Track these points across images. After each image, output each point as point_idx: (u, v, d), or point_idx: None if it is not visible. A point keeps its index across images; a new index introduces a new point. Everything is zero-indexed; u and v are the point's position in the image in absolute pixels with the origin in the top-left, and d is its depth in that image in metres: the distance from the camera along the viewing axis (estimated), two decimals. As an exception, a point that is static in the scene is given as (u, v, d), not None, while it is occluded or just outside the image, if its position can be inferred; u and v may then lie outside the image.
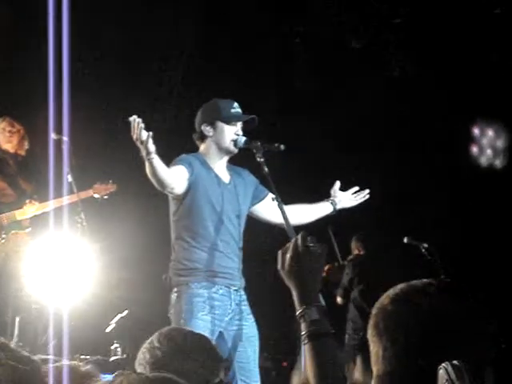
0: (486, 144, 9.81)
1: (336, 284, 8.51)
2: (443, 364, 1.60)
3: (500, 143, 9.77)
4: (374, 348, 1.75)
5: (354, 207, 5.28)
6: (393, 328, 1.72)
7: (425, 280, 1.79)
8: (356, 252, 8.59)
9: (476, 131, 9.85)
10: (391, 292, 1.78)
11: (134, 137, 4.30)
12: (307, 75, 9.38)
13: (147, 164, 4.45)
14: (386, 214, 9.11)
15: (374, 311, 1.78)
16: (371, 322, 1.77)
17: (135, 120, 4.27)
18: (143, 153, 4.38)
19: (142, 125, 4.27)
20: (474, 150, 9.78)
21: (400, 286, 1.79)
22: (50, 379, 2.21)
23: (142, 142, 4.30)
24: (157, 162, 4.44)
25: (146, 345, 2.91)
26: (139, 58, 8.85)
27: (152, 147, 4.35)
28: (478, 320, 1.74)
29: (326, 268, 8.54)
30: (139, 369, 2.88)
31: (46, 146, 6.26)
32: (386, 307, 1.75)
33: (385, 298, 1.78)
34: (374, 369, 1.75)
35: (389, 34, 9.06)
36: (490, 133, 9.82)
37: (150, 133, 4.31)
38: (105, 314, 7.74)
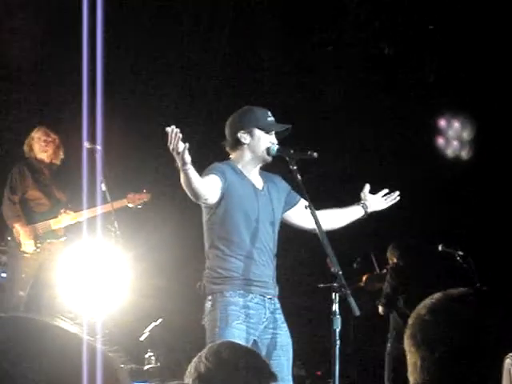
0: (451, 136, 9.77)
1: (371, 293, 8.47)
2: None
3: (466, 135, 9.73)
4: (412, 359, 1.73)
5: (384, 212, 5.25)
6: (431, 338, 1.70)
7: (461, 289, 1.78)
8: (393, 260, 8.54)
9: (442, 123, 9.81)
10: (428, 302, 1.77)
11: (171, 147, 4.30)
12: (339, 82, 9.37)
13: (182, 175, 4.44)
14: (415, 221, 9.05)
15: (410, 321, 1.77)
16: (408, 333, 1.76)
17: (173, 130, 4.27)
18: (179, 163, 4.38)
19: (180, 135, 4.27)
20: (440, 141, 9.74)
21: (436, 296, 1.77)
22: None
23: (178, 153, 4.31)
24: (192, 172, 4.44)
25: (195, 358, 2.90)
26: (172, 66, 8.88)
27: (188, 158, 4.34)
28: None
29: (364, 278, 8.50)
30: (186, 380, 2.87)
31: (80, 156, 6.29)
32: (423, 317, 1.74)
33: (421, 308, 1.76)
34: (411, 379, 1.74)
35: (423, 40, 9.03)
36: (457, 124, 9.78)
37: (187, 144, 4.30)
38: (139, 323, 7.77)
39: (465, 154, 9.71)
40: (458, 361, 1.67)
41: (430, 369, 1.70)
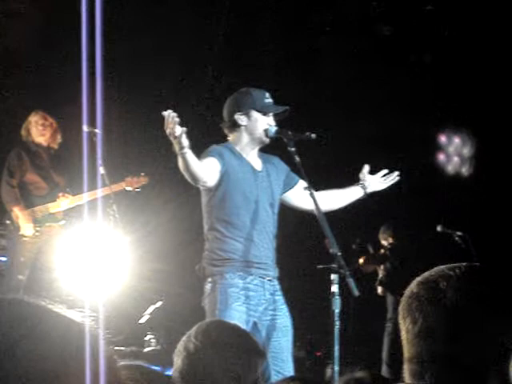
0: (452, 152, 9.82)
1: (368, 275, 8.49)
2: None
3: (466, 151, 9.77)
4: (402, 331, 1.77)
5: (383, 192, 5.26)
6: (414, 310, 1.73)
7: (454, 264, 1.78)
8: (386, 241, 8.55)
9: (443, 139, 9.86)
10: (423, 275, 1.79)
11: (168, 131, 4.30)
12: (336, 64, 9.35)
13: (180, 158, 4.45)
14: (413, 203, 9.07)
15: (405, 294, 1.79)
16: (400, 306, 1.78)
17: (170, 115, 4.27)
18: (176, 147, 4.38)
19: (177, 119, 4.26)
20: (441, 157, 9.79)
21: (429, 271, 1.79)
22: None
23: (175, 137, 4.31)
24: (190, 156, 4.44)
25: (184, 337, 2.91)
26: (172, 48, 8.86)
27: (185, 142, 4.34)
28: (503, 302, 1.73)
29: (362, 259, 8.51)
30: (175, 360, 2.88)
31: (79, 139, 6.29)
32: (412, 290, 1.77)
33: (413, 282, 1.79)
34: (404, 351, 1.76)
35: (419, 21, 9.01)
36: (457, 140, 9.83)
37: (184, 128, 4.30)
38: (138, 306, 7.79)
39: (465, 171, 9.75)
40: (441, 336, 1.69)
41: (414, 341, 1.72)
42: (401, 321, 1.76)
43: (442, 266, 1.78)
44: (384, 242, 8.60)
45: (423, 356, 1.70)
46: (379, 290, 8.46)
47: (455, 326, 1.69)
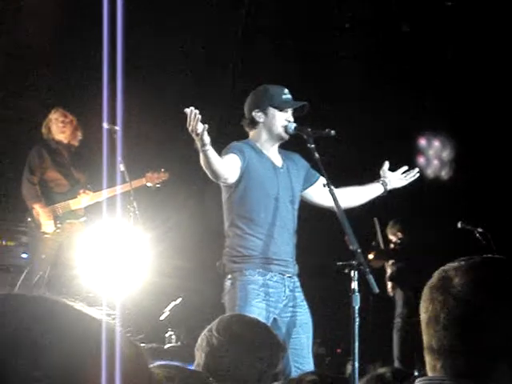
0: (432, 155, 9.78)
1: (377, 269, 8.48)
2: None
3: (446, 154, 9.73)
4: (422, 323, 1.78)
5: (403, 189, 5.25)
6: (427, 299, 1.74)
7: (469, 256, 1.78)
8: (395, 237, 8.52)
9: (423, 142, 9.82)
10: (442, 267, 1.79)
11: (190, 128, 4.30)
12: (357, 61, 9.33)
13: (202, 155, 4.46)
14: (434, 199, 9.04)
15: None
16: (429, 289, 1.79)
17: (192, 111, 4.27)
18: (198, 144, 4.39)
19: (199, 116, 4.27)
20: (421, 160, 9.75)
21: (451, 263, 1.79)
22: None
23: (197, 134, 4.32)
24: (211, 153, 4.45)
25: (205, 331, 2.90)
26: (193, 46, 8.88)
27: (207, 139, 4.35)
28: None
29: (372, 255, 8.47)
30: (197, 354, 2.88)
31: (99, 136, 6.31)
32: (431, 282, 1.77)
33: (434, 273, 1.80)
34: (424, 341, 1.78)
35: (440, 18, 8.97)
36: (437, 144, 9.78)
37: (206, 125, 4.31)
38: (159, 302, 7.81)
39: (445, 174, 9.72)
40: (441, 326, 1.69)
41: (425, 331, 1.73)
42: (420, 311, 1.77)
43: (465, 258, 1.78)
44: (392, 238, 8.58)
45: (433, 346, 1.71)
46: (389, 285, 8.44)
47: (462, 314, 1.68)
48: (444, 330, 1.69)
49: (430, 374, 1.73)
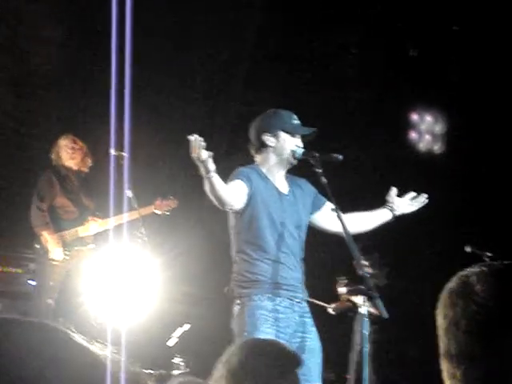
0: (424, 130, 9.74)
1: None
2: None
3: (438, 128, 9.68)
4: (438, 327, 1.73)
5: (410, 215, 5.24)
6: (446, 304, 1.71)
7: (490, 262, 1.75)
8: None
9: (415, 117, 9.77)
10: (460, 272, 1.76)
11: (194, 155, 4.31)
12: (363, 85, 9.36)
13: (206, 182, 4.44)
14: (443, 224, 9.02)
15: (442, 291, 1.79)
16: (438, 303, 1.77)
17: (196, 139, 4.28)
18: (202, 171, 4.38)
19: (203, 144, 4.27)
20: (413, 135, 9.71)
21: (471, 268, 1.75)
22: None
23: (201, 161, 4.32)
24: (216, 180, 4.44)
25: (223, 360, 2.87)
26: (200, 70, 8.92)
27: (212, 166, 4.34)
28: None
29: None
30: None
31: (107, 163, 6.33)
32: (447, 286, 1.74)
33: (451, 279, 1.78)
34: (440, 348, 1.74)
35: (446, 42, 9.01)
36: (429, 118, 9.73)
37: (211, 152, 4.31)
38: (167, 329, 7.78)
39: (437, 148, 9.69)
40: (462, 332, 1.66)
41: (443, 337, 1.70)
42: (437, 316, 1.74)
43: (483, 264, 1.75)
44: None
45: (452, 352, 1.67)
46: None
47: (484, 321, 1.65)
48: (464, 335, 1.66)
49: (449, 381, 1.70)
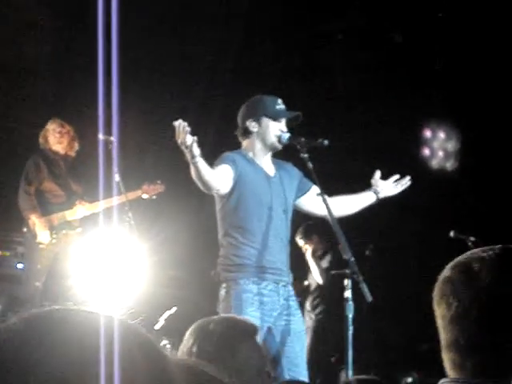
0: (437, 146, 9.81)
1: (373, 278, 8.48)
2: None
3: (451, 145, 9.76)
4: (437, 317, 1.72)
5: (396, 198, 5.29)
6: (448, 294, 1.68)
7: (486, 247, 1.74)
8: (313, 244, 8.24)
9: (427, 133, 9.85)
10: (456, 259, 1.74)
11: (179, 141, 4.34)
12: (349, 71, 9.39)
13: (192, 167, 4.47)
14: (427, 208, 9.07)
15: (438, 279, 1.74)
16: (434, 291, 1.74)
17: (180, 124, 4.31)
18: (188, 156, 4.41)
19: (188, 129, 4.29)
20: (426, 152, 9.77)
21: (464, 254, 1.74)
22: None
23: (186, 147, 4.35)
24: (202, 165, 4.47)
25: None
26: (189, 56, 8.92)
27: (197, 151, 4.37)
28: None
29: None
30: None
31: (95, 147, 6.34)
32: (444, 275, 1.72)
33: (447, 266, 1.74)
34: (441, 338, 1.71)
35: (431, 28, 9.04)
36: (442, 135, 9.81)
37: (195, 137, 4.33)
38: (153, 312, 7.82)
39: (449, 166, 9.75)
40: (476, 322, 1.64)
41: (448, 327, 1.68)
42: (435, 307, 1.72)
43: (475, 250, 1.74)
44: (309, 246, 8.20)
45: (461, 342, 1.65)
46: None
47: (492, 308, 1.63)
48: (475, 325, 1.63)
49: (454, 372, 1.67)
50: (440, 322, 1.70)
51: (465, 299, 1.66)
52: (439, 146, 9.80)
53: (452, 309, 1.67)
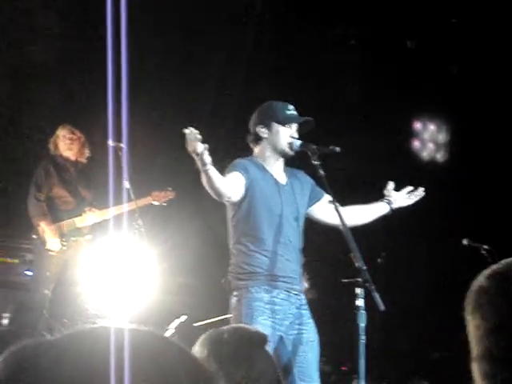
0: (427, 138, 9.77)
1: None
2: None
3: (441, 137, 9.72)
4: (470, 327, 1.66)
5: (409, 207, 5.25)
6: (483, 304, 1.63)
7: None
8: None
9: (418, 126, 9.80)
10: (491, 268, 1.69)
11: (190, 149, 4.30)
12: (362, 77, 9.35)
13: (203, 175, 4.44)
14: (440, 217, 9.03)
15: (472, 288, 1.69)
16: (467, 300, 1.68)
17: (192, 132, 4.27)
18: (199, 164, 4.37)
19: (199, 137, 4.26)
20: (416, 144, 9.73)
21: (502, 262, 1.70)
22: None
23: (197, 154, 4.31)
24: (213, 172, 4.43)
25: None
26: (198, 62, 8.90)
27: (208, 159, 4.33)
28: None
29: None
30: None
31: (105, 154, 6.32)
32: (479, 284, 1.67)
33: (482, 275, 1.68)
34: (473, 349, 1.66)
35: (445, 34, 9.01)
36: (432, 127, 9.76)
37: (206, 145, 4.29)
38: (163, 320, 7.79)
39: (440, 157, 9.71)
40: (506, 333, 1.59)
41: (484, 339, 1.62)
42: (468, 317, 1.67)
43: (510, 259, 1.69)
44: None
45: (494, 353, 1.60)
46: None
47: None
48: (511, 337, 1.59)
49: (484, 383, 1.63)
50: (473, 332, 1.66)
51: (502, 310, 1.61)
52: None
53: (488, 320, 1.63)
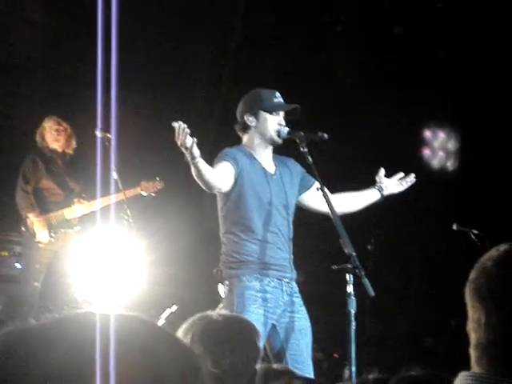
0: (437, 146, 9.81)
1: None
2: None
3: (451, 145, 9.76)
4: (475, 314, 1.63)
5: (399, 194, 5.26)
6: (498, 292, 1.61)
7: None
8: None
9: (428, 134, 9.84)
10: (494, 253, 1.66)
11: (179, 142, 4.30)
12: (349, 63, 9.35)
13: (193, 168, 4.44)
14: (429, 202, 9.05)
15: (474, 274, 1.66)
16: (472, 286, 1.65)
17: (180, 126, 4.27)
18: (188, 157, 4.38)
19: (188, 130, 4.26)
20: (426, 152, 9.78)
21: (503, 247, 1.67)
22: None
23: (186, 148, 4.31)
24: (202, 165, 4.43)
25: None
26: (188, 53, 8.88)
27: (197, 152, 4.33)
28: None
29: None
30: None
31: (93, 145, 6.30)
32: (489, 269, 1.64)
33: (487, 260, 1.65)
34: (474, 336, 1.64)
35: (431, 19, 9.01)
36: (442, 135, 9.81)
37: (195, 138, 4.29)
38: (153, 311, 7.79)
39: (450, 165, 9.74)
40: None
41: (496, 325, 1.60)
42: (475, 303, 1.64)
43: (509, 244, 1.68)
44: None
45: (506, 340, 1.60)
46: None
47: None
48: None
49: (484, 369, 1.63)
50: (483, 320, 1.63)
51: (508, 299, 1.60)
52: (439, 146, 9.80)
53: (501, 307, 1.61)
